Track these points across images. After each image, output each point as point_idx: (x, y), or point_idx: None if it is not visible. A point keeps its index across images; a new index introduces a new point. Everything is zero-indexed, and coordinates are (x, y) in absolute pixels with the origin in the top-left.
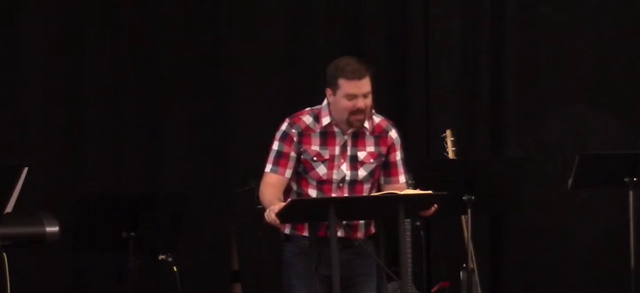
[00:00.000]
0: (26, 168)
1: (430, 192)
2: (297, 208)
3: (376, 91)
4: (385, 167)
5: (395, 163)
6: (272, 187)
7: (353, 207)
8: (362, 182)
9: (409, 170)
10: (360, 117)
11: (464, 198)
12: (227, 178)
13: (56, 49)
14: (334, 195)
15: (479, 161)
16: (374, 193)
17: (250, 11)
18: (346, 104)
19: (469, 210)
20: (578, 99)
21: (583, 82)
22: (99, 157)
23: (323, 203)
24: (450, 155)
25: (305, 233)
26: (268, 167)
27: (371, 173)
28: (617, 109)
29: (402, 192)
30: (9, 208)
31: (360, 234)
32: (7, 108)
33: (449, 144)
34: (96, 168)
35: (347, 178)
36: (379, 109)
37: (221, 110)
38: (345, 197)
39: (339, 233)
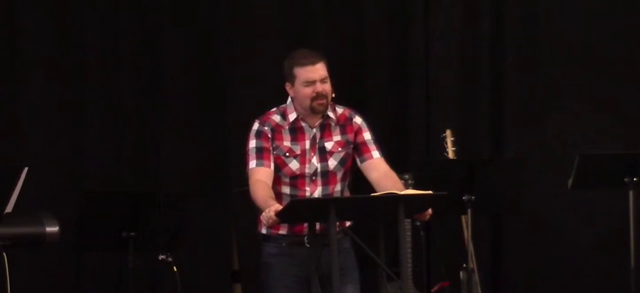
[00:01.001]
0: (26, 169)
1: (430, 192)
2: (297, 208)
3: (376, 91)
4: (356, 150)
5: (365, 143)
6: (263, 184)
7: (353, 206)
8: (334, 171)
9: (409, 170)
10: (322, 101)
11: (464, 198)
12: (227, 178)
13: (56, 49)
14: (307, 189)
15: (479, 161)
16: (373, 194)
17: (250, 11)
18: (306, 90)
19: (469, 210)
20: (578, 99)
21: (583, 82)
22: (99, 157)
23: (323, 203)
24: (450, 155)
25: (282, 232)
26: (252, 164)
27: (341, 163)
28: (617, 109)
29: (402, 192)
30: (9, 208)
31: None
32: (7, 108)
33: (449, 143)
34: (96, 168)
35: (319, 170)
36: (380, 108)
37: (221, 110)
38: (346, 197)
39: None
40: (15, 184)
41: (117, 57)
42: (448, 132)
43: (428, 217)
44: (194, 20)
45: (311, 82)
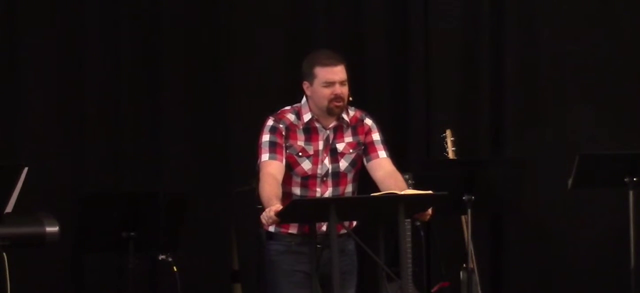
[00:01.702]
0: (26, 168)
1: (430, 192)
2: (298, 209)
3: (376, 90)
4: (364, 149)
5: (373, 143)
6: (272, 179)
7: (353, 206)
8: (345, 172)
9: (409, 170)
10: (339, 103)
11: (464, 198)
12: (227, 178)
13: (56, 49)
14: (318, 189)
15: (479, 161)
16: (374, 194)
17: (250, 11)
18: (325, 91)
19: (469, 210)
20: (578, 99)
21: (583, 82)
22: (99, 157)
23: (324, 203)
24: (450, 155)
25: (291, 231)
26: (265, 156)
27: (352, 164)
28: (617, 109)
29: (402, 192)
30: (9, 208)
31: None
32: (7, 108)
33: (449, 143)
34: (96, 168)
35: (330, 171)
36: (380, 108)
37: (221, 110)
38: (346, 197)
39: (324, 228)
40: (15, 184)
41: (117, 57)
42: (448, 132)
43: (428, 217)
44: (194, 20)
45: (331, 83)
